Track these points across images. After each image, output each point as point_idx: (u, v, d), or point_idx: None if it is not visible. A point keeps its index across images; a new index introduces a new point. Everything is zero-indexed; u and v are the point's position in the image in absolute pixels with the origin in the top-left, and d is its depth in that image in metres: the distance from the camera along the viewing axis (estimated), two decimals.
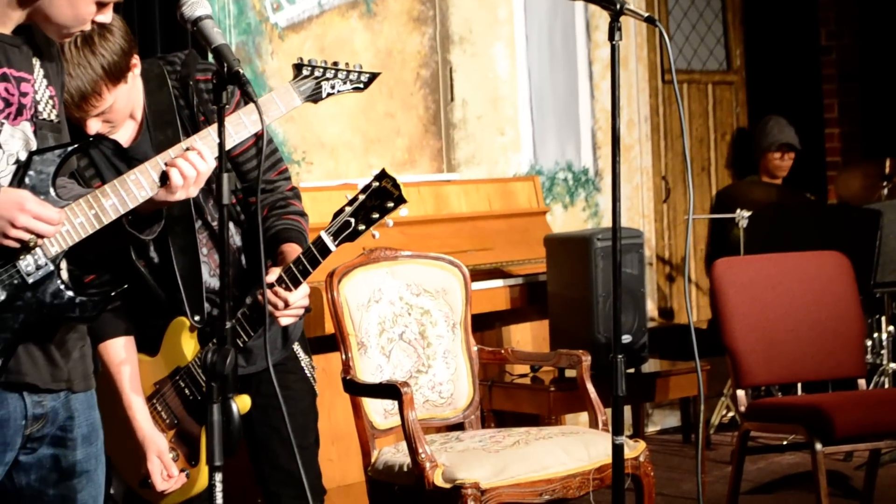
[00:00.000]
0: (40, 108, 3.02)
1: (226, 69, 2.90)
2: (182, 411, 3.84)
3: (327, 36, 6.78)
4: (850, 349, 6.08)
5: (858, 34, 9.33)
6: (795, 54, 9.34)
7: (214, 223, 3.81)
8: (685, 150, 3.51)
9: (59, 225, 2.95)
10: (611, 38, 3.47)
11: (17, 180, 2.96)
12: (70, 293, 3.02)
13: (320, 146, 6.64)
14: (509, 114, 7.50)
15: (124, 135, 3.71)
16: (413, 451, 4.55)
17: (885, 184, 8.20)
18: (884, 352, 7.45)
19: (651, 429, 8.04)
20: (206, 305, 3.83)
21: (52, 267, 2.99)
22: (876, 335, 7.49)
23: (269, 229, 3.86)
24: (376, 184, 3.61)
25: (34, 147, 2.99)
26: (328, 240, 3.63)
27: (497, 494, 4.60)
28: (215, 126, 3.07)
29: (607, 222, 7.88)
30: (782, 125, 8.58)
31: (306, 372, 4.08)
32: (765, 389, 7.27)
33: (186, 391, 3.83)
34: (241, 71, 2.90)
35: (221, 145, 2.93)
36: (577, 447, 4.77)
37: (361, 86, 3.45)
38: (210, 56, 3.07)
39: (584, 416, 6.49)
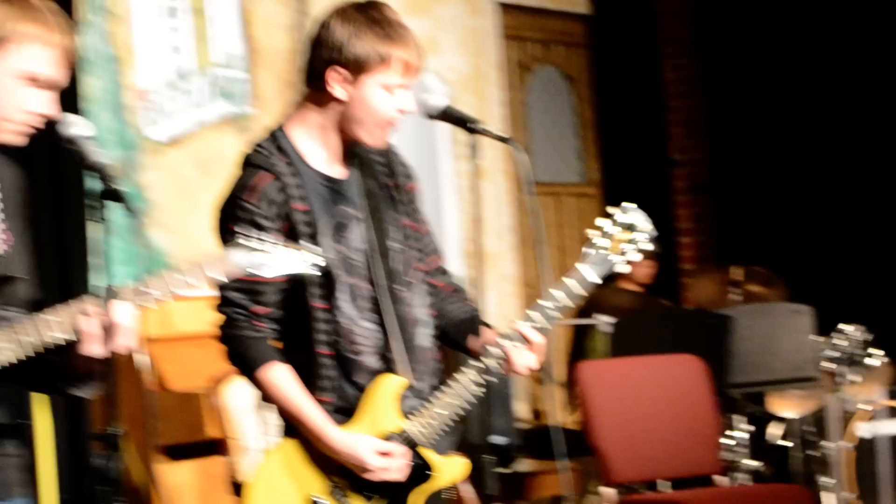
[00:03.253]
0: None
1: (106, 187, 2.87)
2: (386, 483, 3.54)
3: (205, 151, 6.77)
4: (707, 448, 6.14)
5: (707, 148, 9.48)
6: (648, 167, 9.44)
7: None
8: (543, 259, 3.52)
9: None
10: (472, 155, 3.51)
11: None
12: None
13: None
14: None
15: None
16: None
17: (735, 290, 8.29)
18: (741, 449, 7.49)
19: None
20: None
21: None
22: (735, 433, 7.53)
23: (454, 314, 3.76)
24: (627, 217, 3.62)
25: None
26: (590, 271, 3.61)
27: None
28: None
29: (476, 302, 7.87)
30: None
31: None
32: (631, 486, 7.28)
33: None
34: (118, 188, 2.88)
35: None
36: None
37: (312, 266, 3.09)
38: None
39: None
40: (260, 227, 3.42)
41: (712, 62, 9.42)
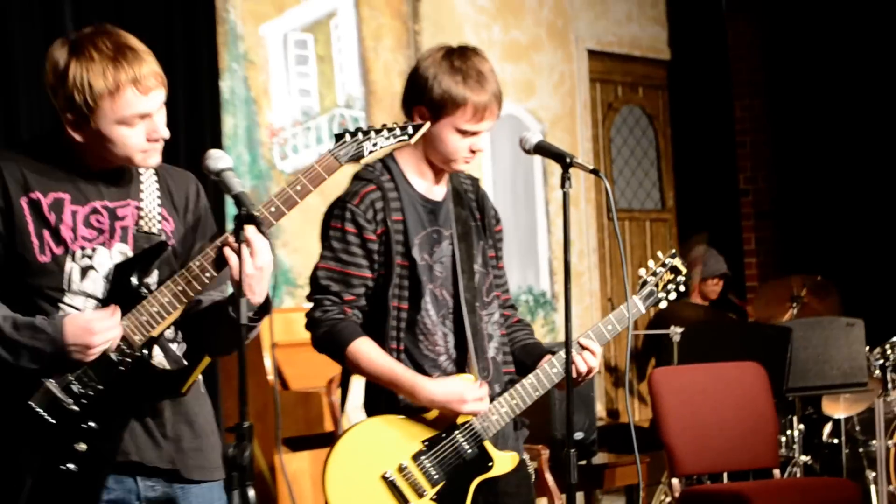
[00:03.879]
0: (142, 223, 3.07)
1: (244, 212, 2.90)
2: (452, 468, 3.52)
3: (327, 181, 6.85)
4: (766, 444, 6.11)
5: (770, 179, 9.42)
6: (718, 195, 9.40)
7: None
8: (625, 277, 3.53)
9: (117, 328, 2.95)
10: (562, 185, 3.46)
11: (107, 292, 3.00)
12: (156, 374, 3.02)
13: None
14: None
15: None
16: None
17: (794, 304, 8.26)
18: (795, 446, 7.47)
19: None
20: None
21: (138, 354, 2.99)
22: (789, 432, 7.51)
23: (524, 340, 3.78)
24: (672, 262, 3.80)
25: None
26: (639, 303, 3.77)
27: None
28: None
29: (562, 337, 7.91)
30: (717, 257, 8.59)
31: (526, 461, 3.76)
32: (696, 478, 7.28)
33: (466, 446, 3.54)
34: (256, 213, 2.91)
35: (241, 281, 2.90)
36: None
37: (407, 137, 3.19)
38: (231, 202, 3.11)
39: (543, 502, 6.49)
40: (360, 227, 3.49)
41: (777, 103, 9.34)
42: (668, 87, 9.40)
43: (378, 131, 3.16)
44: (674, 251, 3.90)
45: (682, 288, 3.84)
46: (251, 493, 2.86)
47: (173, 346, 3.11)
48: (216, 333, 3.08)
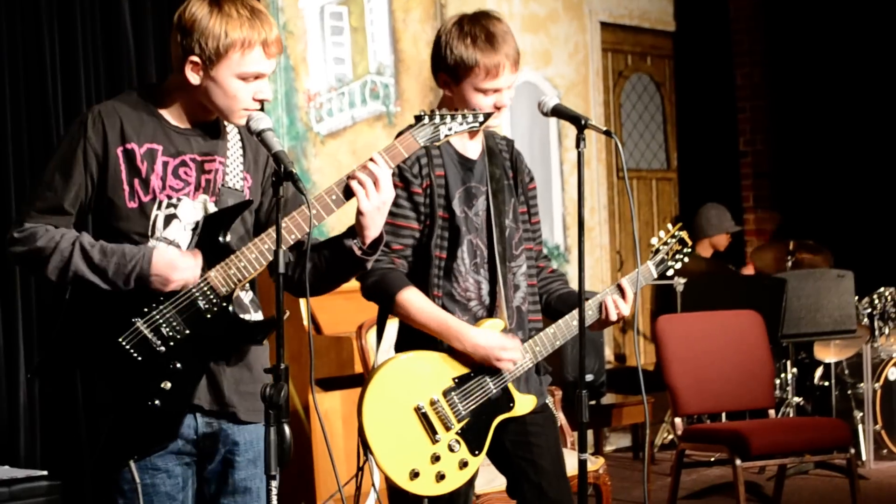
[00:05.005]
0: (227, 179, 3.08)
1: (283, 169, 2.89)
2: (478, 405, 3.49)
3: (358, 142, 6.84)
4: (762, 386, 6.10)
5: (768, 142, 9.37)
6: (719, 157, 9.36)
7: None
8: (634, 231, 3.49)
9: (196, 269, 2.97)
10: (577, 146, 3.43)
11: (193, 241, 3.02)
12: (241, 324, 3.03)
13: None
14: None
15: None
16: None
17: (789, 258, 8.23)
18: (789, 388, 7.45)
19: (608, 448, 8.02)
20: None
21: (223, 304, 3.00)
22: (783, 375, 7.50)
23: (559, 290, 3.75)
24: (680, 234, 3.83)
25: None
26: (652, 268, 3.81)
27: (488, 499, 4.59)
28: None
29: (574, 287, 7.89)
30: (725, 214, 8.52)
31: (550, 404, 3.74)
32: (697, 417, 7.28)
33: (491, 386, 3.51)
34: (294, 170, 2.90)
35: (278, 229, 2.87)
36: None
37: (478, 124, 3.20)
38: (270, 159, 3.09)
39: None
40: (407, 182, 3.48)
41: (775, 71, 9.30)
42: (673, 56, 9.35)
43: (453, 117, 3.17)
44: (681, 224, 3.90)
45: (686, 259, 3.85)
46: (287, 429, 2.85)
47: (244, 296, 3.12)
48: (333, 267, 3.10)
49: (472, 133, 3.58)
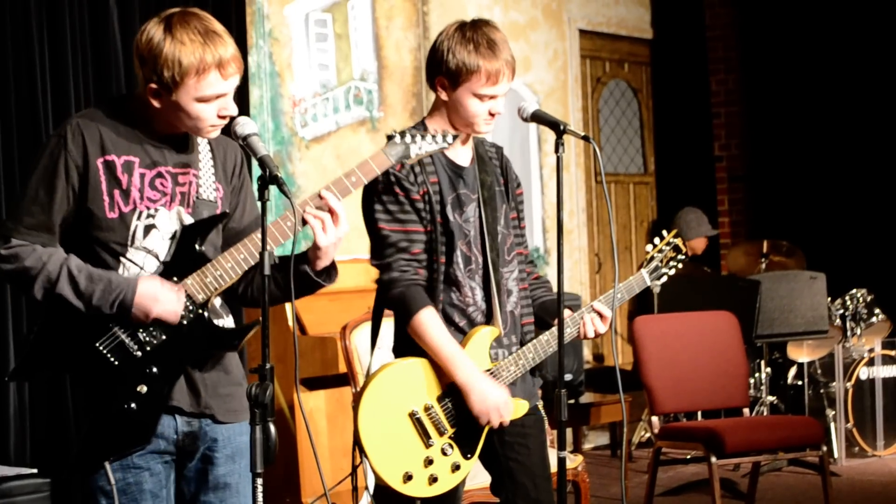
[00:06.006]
0: (201, 191, 3.07)
1: (268, 173, 2.89)
2: (470, 411, 3.46)
3: (342, 146, 6.83)
4: (737, 386, 6.09)
5: (742, 147, 9.39)
6: (695, 161, 9.37)
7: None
8: (612, 234, 3.48)
9: (179, 304, 2.97)
10: (556, 150, 3.44)
11: (171, 252, 3.02)
12: (216, 330, 3.04)
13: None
14: None
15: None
16: None
17: (763, 260, 8.25)
18: (763, 387, 7.48)
19: (587, 446, 8.03)
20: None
21: (199, 310, 3.01)
22: (757, 374, 7.52)
23: (542, 297, 3.73)
24: (675, 241, 3.83)
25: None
26: (646, 276, 3.79)
27: (470, 496, 4.59)
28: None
29: (554, 289, 7.90)
30: (702, 218, 8.52)
31: (540, 407, 3.74)
32: (673, 416, 7.29)
33: None
34: (279, 175, 2.90)
35: (264, 232, 2.87)
36: None
37: (447, 144, 3.25)
38: (256, 164, 3.09)
39: None
40: (406, 189, 3.46)
41: (749, 78, 9.33)
42: (650, 63, 9.36)
43: (423, 136, 3.20)
44: (676, 231, 3.91)
45: (681, 266, 3.84)
46: (272, 427, 2.86)
47: (217, 302, 3.13)
48: (286, 285, 3.04)
49: (463, 140, 3.58)
